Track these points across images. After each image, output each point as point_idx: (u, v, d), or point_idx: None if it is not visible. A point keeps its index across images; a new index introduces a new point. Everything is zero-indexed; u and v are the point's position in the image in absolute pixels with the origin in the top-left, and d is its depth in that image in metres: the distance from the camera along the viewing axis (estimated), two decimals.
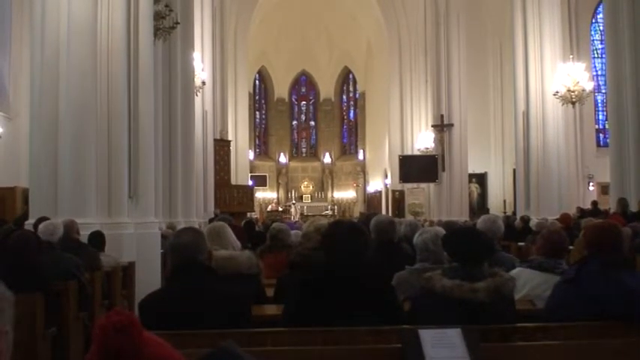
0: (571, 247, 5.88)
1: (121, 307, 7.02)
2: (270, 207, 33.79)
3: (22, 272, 4.64)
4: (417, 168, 24.17)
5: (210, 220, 11.70)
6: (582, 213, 14.64)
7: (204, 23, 18.97)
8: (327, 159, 38.33)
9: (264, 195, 34.97)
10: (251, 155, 33.19)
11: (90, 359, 1.50)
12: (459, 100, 23.47)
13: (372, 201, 33.61)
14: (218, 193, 19.46)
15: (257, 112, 37.68)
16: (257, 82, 37.50)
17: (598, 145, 25.22)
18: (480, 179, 26.98)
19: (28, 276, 4.64)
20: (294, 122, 39.76)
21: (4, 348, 1.24)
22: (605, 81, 19.16)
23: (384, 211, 26.78)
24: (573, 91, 15.94)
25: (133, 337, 1.47)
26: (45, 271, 4.98)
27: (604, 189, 21.21)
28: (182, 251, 3.22)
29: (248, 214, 20.43)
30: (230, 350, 1.45)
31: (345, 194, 37.13)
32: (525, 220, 13.75)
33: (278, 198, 36.44)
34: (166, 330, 2.98)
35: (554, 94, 16.20)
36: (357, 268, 3.26)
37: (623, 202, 12.32)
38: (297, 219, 27.83)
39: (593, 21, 25.75)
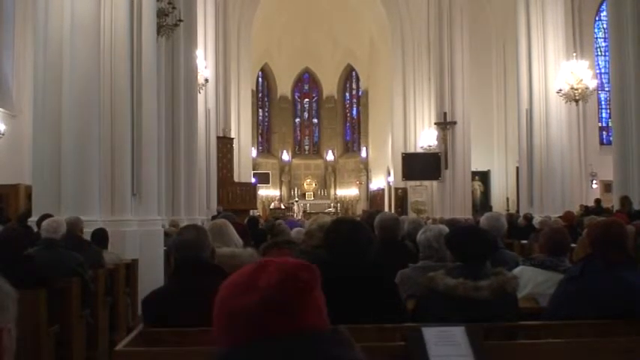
0: (574, 245, 5.86)
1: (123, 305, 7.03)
2: (273, 204, 33.80)
3: (16, 268, 4.60)
4: (420, 166, 24.11)
5: (213, 218, 11.70)
6: (586, 211, 14.59)
7: (208, 20, 18.95)
8: (329, 157, 38.29)
9: (267, 192, 34.95)
10: (254, 153, 33.14)
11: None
12: (462, 98, 23.40)
13: (374, 199, 33.57)
14: (221, 191, 19.46)
15: (260, 110, 37.64)
16: (260, 79, 37.45)
17: (601, 142, 25.14)
18: (483, 177, 26.94)
19: (21, 271, 4.60)
20: (297, 120, 39.70)
21: (7, 346, 1.23)
22: (609, 79, 19.12)
23: (386, 209, 26.74)
24: (577, 89, 15.90)
25: (303, 301, 1.19)
26: (41, 267, 4.94)
27: (607, 187, 21.14)
28: (185, 249, 3.22)
29: (251, 212, 20.42)
30: (344, 334, 1.23)
31: (348, 192, 37.09)
32: (528, 217, 13.72)
33: (281, 196, 36.42)
34: (170, 327, 2.98)
35: (558, 92, 16.16)
36: (359, 265, 3.25)
37: (626, 200, 12.30)
38: (299, 217, 27.85)
39: (597, 18, 25.66)
